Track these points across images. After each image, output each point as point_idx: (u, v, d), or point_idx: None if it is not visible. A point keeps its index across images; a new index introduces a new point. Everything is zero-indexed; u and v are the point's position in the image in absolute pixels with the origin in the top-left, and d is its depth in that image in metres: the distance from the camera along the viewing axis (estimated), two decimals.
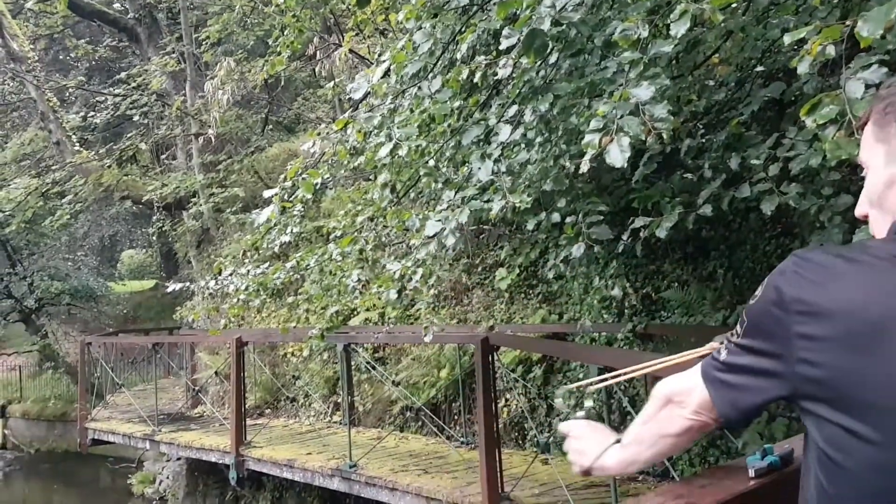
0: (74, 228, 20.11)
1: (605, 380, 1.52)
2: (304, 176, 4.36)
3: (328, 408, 9.30)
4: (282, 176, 4.64)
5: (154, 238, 16.74)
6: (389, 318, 8.08)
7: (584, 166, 2.22)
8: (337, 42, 10.94)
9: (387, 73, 4.10)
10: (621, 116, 2.20)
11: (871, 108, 1.09)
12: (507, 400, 7.11)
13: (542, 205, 4.00)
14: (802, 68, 1.91)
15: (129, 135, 16.04)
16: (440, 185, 4.08)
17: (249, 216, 5.26)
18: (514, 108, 3.33)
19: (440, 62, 3.89)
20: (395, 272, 3.93)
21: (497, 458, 5.37)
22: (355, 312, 8.49)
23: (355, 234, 4.39)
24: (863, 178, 1.11)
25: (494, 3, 3.41)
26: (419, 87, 3.84)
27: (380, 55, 4.61)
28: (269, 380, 9.99)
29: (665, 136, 2.26)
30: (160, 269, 24.58)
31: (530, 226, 4.01)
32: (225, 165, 13.35)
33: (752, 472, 1.38)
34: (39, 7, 16.29)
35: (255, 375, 10.01)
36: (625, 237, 3.69)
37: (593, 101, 2.89)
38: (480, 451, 5.41)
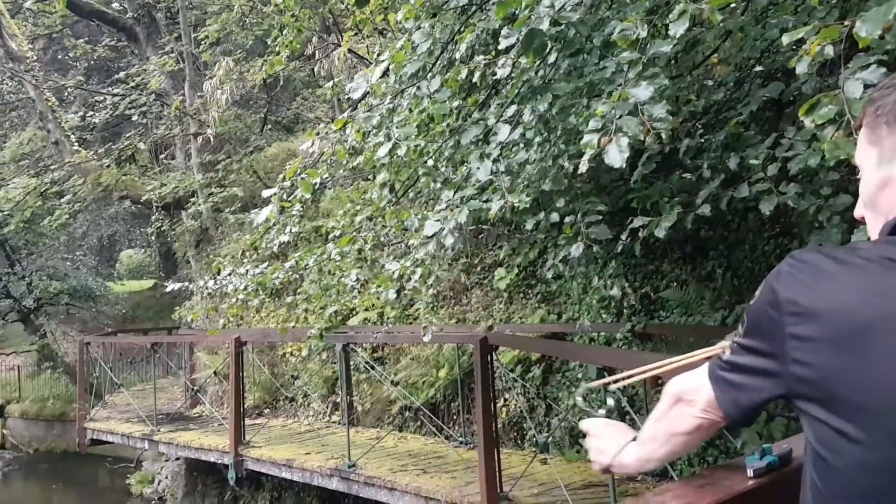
0: (73, 228, 20.10)
1: (628, 377, 1.53)
2: (302, 176, 4.36)
3: (327, 408, 9.29)
4: (280, 176, 4.63)
5: (153, 238, 16.74)
6: (388, 318, 8.08)
7: (583, 167, 2.22)
8: (336, 42, 10.94)
9: (385, 73, 4.10)
10: (620, 116, 2.20)
11: (864, 110, 1.10)
12: (505, 400, 7.12)
13: (540, 205, 4.00)
14: (801, 68, 1.91)
15: (127, 134, 16.03)
16: (439, 185, 4.08)
17: (248, 216, 5.26)
18: (513, 107, 3.33)
19: (439, 62, 3.89)
20: (393, 272, 3.93)
21: (496, 458, 5.37)
22: (354, 312, 8.49)
23: (354, 233, 4.39)
24: (860, 179, 1.12)
25: (493, 3, 3.41)
26: (418, 87, 3.84)
27: (378, 55, 4.61)
28: (267, 379, 9.99)
29: (664, 136, 2.27)
30: (159, 269, 24.58)
31: (529, 226, 4.01)
32: (224, 165, 13.35)
33: (750, 472, 1.38)
34: (38, 6, 16.28)
35: (254, 375, 10.01)
36: (623, 237, 3.69)
37: (592, 101, 2.89)
38: (479, 450, 5.42)
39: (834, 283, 0.96)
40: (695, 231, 4.84)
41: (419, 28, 3.82)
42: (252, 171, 13.26)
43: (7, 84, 17.17)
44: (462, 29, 3.74)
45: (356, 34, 8.65)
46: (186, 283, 7.82)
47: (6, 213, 16.02)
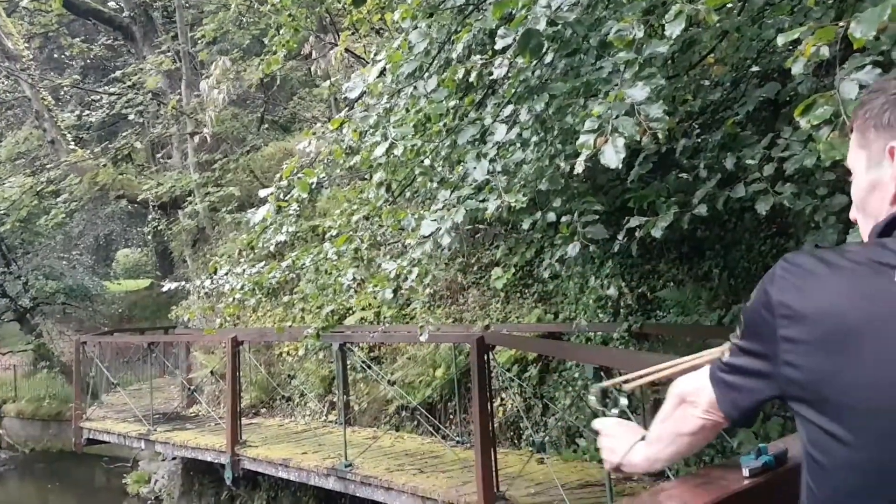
0: (69, 227, 20.05)
1: (640, 377, 1.54)
2: (299, 175, 4.35)
3: (323, 407, 9.29)
4: (277, 175, 4.63)
5: (149, 237, 16.70)
6: (385, 318, 8.09)
7: (580, 167, 2.22)
8: (332, 41, 10.93)
9: (382, 73, 4.10)
10: (616, 117, 2.20)
11: (855, 113, 1.12)
12: (502, 399, 7.12)
13: (537, 204, 4.00)
14: (796, 69, 1.91)
15: (124, 134, 16.00)
16: (435, 185, 4.08)
17: (245, 215, 5.25)
18: (510, 107, 3.33)
19: (436, 62, 3.89)
20: (390, 272, 3.93)
21: (492, 458, 5.38)
22: (351, 312, 8.48)
23: (350, 233, 4.39)
24: (852, 182, 1.14)
25: (490, 3, 3.41)
26: (415, 87, 3.83)
27: (375, 54, 4.60)
28: (264, 379, 9.98)
29: (660, 136, 2.27)
30: (155, 269, 24.54)
31: (526, 225, 4.01)
32: (220, 164, 13.33)
33: (746, 472, 1.39)
34: (34, 5, 16.23)
35: (251, 375, 10.01)
36: (620, 237, 3.70)
37: (589, 101, 2.89)
38: (476, 450, 5.42)
39: (823, 286, 0.97)
40: (691, 231, 4.85)
41: (416, 28, 3.82)
42: (249, 171, 13.25)
43: (3, 83, 17.12)
44: (459, 29, 3.74)
45: (353, 34, 8.65)
46: (183, 283, 7.81)
47: (2, 212, 15.98)
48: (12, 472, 16.51)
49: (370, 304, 7.97)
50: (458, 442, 7.12)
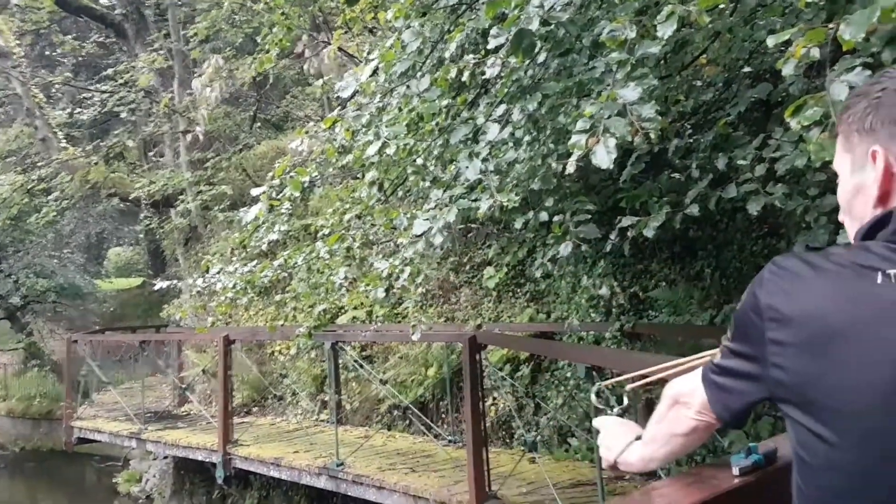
0: (61, 226, 19.95)
1: (641, 377, 1.55)
2: (291, 174, 4.34)
3: (315, 406, 9.28)
4: (270, 174, 4.62)
5: (141, 236, 16.64)
6: (377, 317, 8.09)
7: (571, 167, 2.22)
8: (326, 40, 10.91)
9: (375, 72, 4.09)
10: (608, 117, 2.21)
11: (839, 117, 1.13)
12: (494, 399, 7.13)
13: (529, 204, 4.00)
14: (787, 70, 1.92)
15: (116, 132, 15.93)
16: (428, 184, 4.08)
17: (237, 214, 5.23)
18: (503, 107, 3.33)
19: (429, 61, 3.89)
20: (382, 270, 3.93)
21: (484, 457, 5.38)
22: (343, 311, 8.47)
23: (343, 232, 4.38)
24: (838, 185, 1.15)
25: (483, 3, 3.41)
26: (407, 86, 3.83)
27: (368, 53, 4.60)
28: (256, 378, 9.96)
29: (653, 136, 2.27)
30: (147, 267, 24.43)
31: (518, 225, 4.02)
32: (213, 163, 13.30)
33: (736, 471, 1.40)
34: (25, 2, 16.15)
35: (243, 374, 9.98)
36: (612, 236, 3.71)
37: (581, 101, 2.89)
38: (468, 449, 5.42)
39: (809, 289, 0.99)
40: (683, 231, 4.87)
41: (409, 27, 3.81)
42: (241, 170, 13.21)
43: None
44: (452, 28, 3.74)
45: (346, 32, 8.64)
46: (175, 281, 7.79)
47: None
48: (2, 471, 16.43)
49: (362, 304, 7.97)
50: (449, 441, 7.13)
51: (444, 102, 3.84)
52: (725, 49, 3.92)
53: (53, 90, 17.85)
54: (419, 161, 3.96)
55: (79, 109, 16.14)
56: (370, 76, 4.14)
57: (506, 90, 3.40)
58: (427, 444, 7.21)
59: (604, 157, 2.08)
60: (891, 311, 0.92)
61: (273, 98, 16.13)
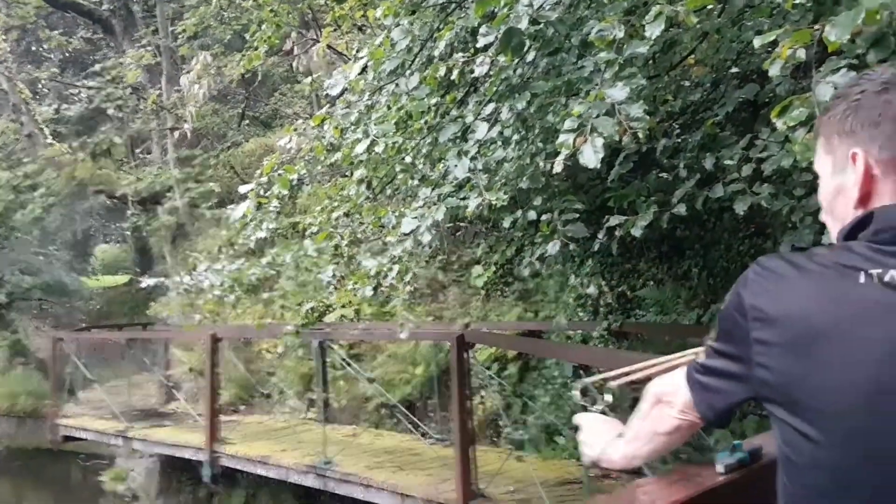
0: (47, 222, 19.80)
1: (623, 375, 1.56)
2: (279, 172, 4.33)
3: (303, 404, 9.26)
4: (258, 171, 4.61)
5: (128, 233, 16.55)
6: (365, 315, 8.07)
7: (558, 166, 2.23)
8: (315, 38, 10.88)
9: (364, 70, 4.09)
10: (597, 116, 2.21)
11: (820, 119, 1.14)
12: (482, 397, 7.14)
13: (518, 203, 4.01)
14: (773, 71, 1.94)
15: (103, 128, 15.83)
16: (416, 182, 4.08)
17: (225, 211, 5.22)
18: (491, 105, 3.33)
19: (418, 59, 3.88)
20: (370, 269, 3.92)
21: (472, 456, 5.39)
22: (331, 309, 8.45)
23: (331, 230, 4.38)
24: (819, 186, 1.17)
25: (472, 1, 3.41)
26: (396, 84, 3.83)
27: (357, 51, 4.59)
28: (243, 376, 9.93)
29: (641, 135, 2.28)
30: (134, 265, 24.29)
31: (506, 223, 4.02)
32: (201, 160, 13.24)
33: (721, 468, 1.40)
34: None
35: (230, 372, 9.94)
36: (600, 236, 3.72)
37: (570, 101, 2.90)
38: (455, 448, 5.43)
39: (793, 289, 0.99)
40: (671, 230, 4.88)
41: (398, 25, 3.81)
42: (229, 167, 13.16)
43: None
44: (441, 26, 3.74)
45: (335, 30, 8.62)
46: (162, 279, 7.76)
47: None
48: None
49: (350, 302, 7.95)
50: (437, 439, 7.13)
51: (434, 101, 3.84)
52: (713, 50, 3.94)
53: (40, 86, 17.70)
54: (408, 159, 3.96)
55: (65, 106, 16.02)
56: (359, 74, 4.13)
57: (495, 89, 3.41)
58: (415, 442, 7.21)
59: (591, 157, 2.09)
60: (873, 311, 0.93)
61: (262, 95, 16.08)
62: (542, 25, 2.86)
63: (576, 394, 1.55)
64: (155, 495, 10.69)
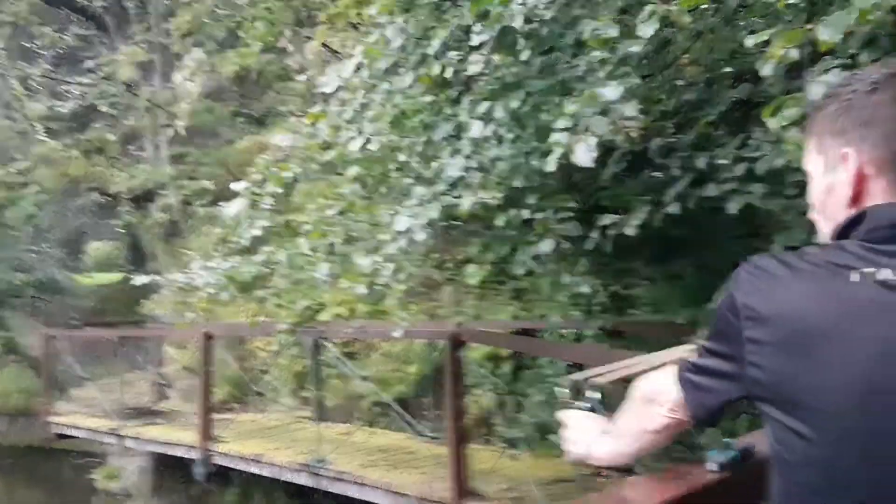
0: (39, 219, 19.70)
1: (609, 372, 1.56)
2: (273, 169, 4.32)
3: (297, 403, 9.25)
4: (251, 169, 4.60)
5: (121, 230, 16.49)
6: (360, 314, 8.06)
7: (551, 165, 2.23)
8: (310, 36, 10.86)
9: (359, 68, 4.08)
10: (590, 116, 2.22)
11: (812, 118, 1.15)
12: (476, 396, 7.14)
13: (512, 201, 4.01)
14: (766, 71, 1.94)
15: (96, 126, 15.76)
16: (411, 181, 4.07)
17: (219, 207, 5.20)
18: (486, 104, 3.33)
19: (412, 57, 3.88)
20: (364, 267, 3.92)
21: (465, 454, 5.39)
22: (325, 307, 8.45)
23: (325, 228, 4.37)
24: (809, 184, 1.17)
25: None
26: (390, 83, 3.82)
27: (352, 49, 4.58)
28: (237, 374, 9.91)
29: (633, 134, 2.29)
30: (127, 262, 24.20)
31: (500, 222, 4.02)
32: (194, 158, 13.20)
33: (713, 467, 1.41)
34: None
35: (223, 370, 9.92)
36: (593, 234, 3.72)
37: (563, 100, 2.90)
38: (448, 446, 5.43)
39: (785, 288, 1.00)
40: (665, 230, 4.89)
41: (392, 23, 3.80)
42: (223, 165, 13.13)
43: None
44: (435, 24, 3.73)
45: (330, 27, 8.60)
46: (155, 277, 7.73)
47: None
48: None
49: (344, 301, 7.95)
50: (431, 438, 7.13)
51: (429, 99, 3.84)
52: (707, 49, 3.95)
53: (33, 83, 17.61)
54: (402, 157, 3.96)
55: (58, 103, 15.96)
56: (354, 72, 4.12)
57: (489, 87, 3.41)
58: (408, 440, 7.21)
59: (584, 156, 2.10)
60: (867, 310, 0.93)
61: (256, 93, 16.03)
62: (536, 24, 2.86)
63: (562, 390, 1.55)
64: (147, 493, 10.66)
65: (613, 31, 2.30)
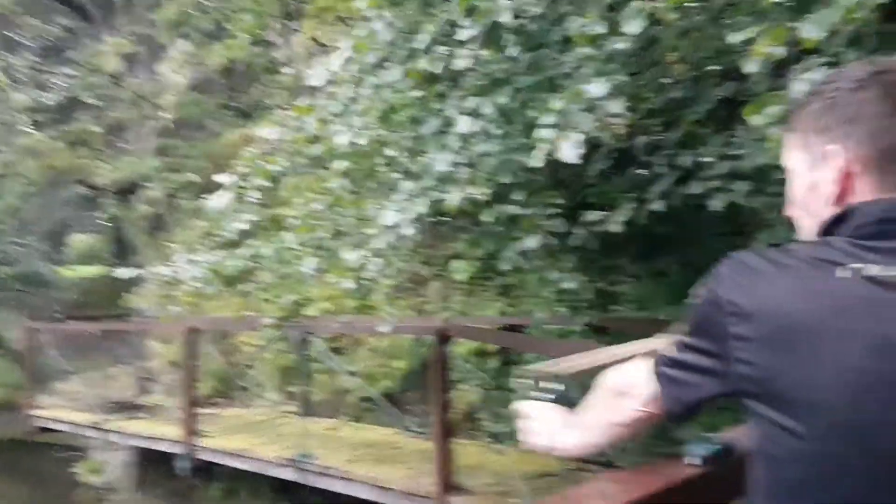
0: (24, 212, 19.51)
1: (572, 365, 1.55)
2: (260, 162, 4.31)
3: (282, 398, 9.22)
4: (238, 162, 4.57)
5: (106, 223, 16.37)
6: (347, 309, 8.05)
7: (537, 161, 2.24)
8: (298, 29, 10.81)
9: (347, 62, 4.07)
10: (577, 112, 2.22)
11: (797, 115, 1.14)
12: (462, 391, 7.15)
13: (499, 197, 4.01)
14: (750, 68, 1.95)
15: (81, 117, 15.62)
16: (399, 175, 4.07)
17: (204, 199, 5.17)
18: (474, 100, 3.33)
19: (400, 52, 3.87)
20: (351, 262, 3.91)
21: (451, 449, 5.40)
22: (312, 302, 8.43)
23: (312, 222, 4.36)
24: (789, 179, 1.17)
25: None
26: (376, 76, 3.82)
27: (340, 42, 4.56)
28: (222, 369, 9.87)
29: (620, 131, 2.30)
30: (112, 255, 24.02)
31: (488, 218, 4.02)
32: (180, 150, 13.12)
33: (695, 461, 1.42)
34: None
35: (208, 364, 9.88)
36: (579, 231, 3.73)
37: (550, 96, 2.91)
38: (434, 441, 5.44)
39: (769, 284, 0.99)
40: (650, 227, 4.91)
41: (380, 17, 3.79)
42: (209, 158, 13.05)
43: None
44: (423, 19, 3.73)
45: (318, 20, 8.57)
46: (140, 270, 7.68)
47: None
48: None
49: (331, 296, 7.94)
50: (418, 433, 7.13)
51: (419, 94, 3.83)
52: (694, 47, 3.96)
53: (18, 74, 17.42)
54: (390, 152, 3.95)
55: (44, 94, 15.81)
56: (342, 65, 4.11)
57: (477, 83, 3.40)
58: (395, 435, 7.21)
59: (570, 152, 2.10)
60: (856, 306, 0.93)
61: (243, 86, 15.94)
62: (524, 20, 2.86)
63: (522, 381, 1.53)
64: (131, 488, 10.61)
65: (600, 28, 2.31)
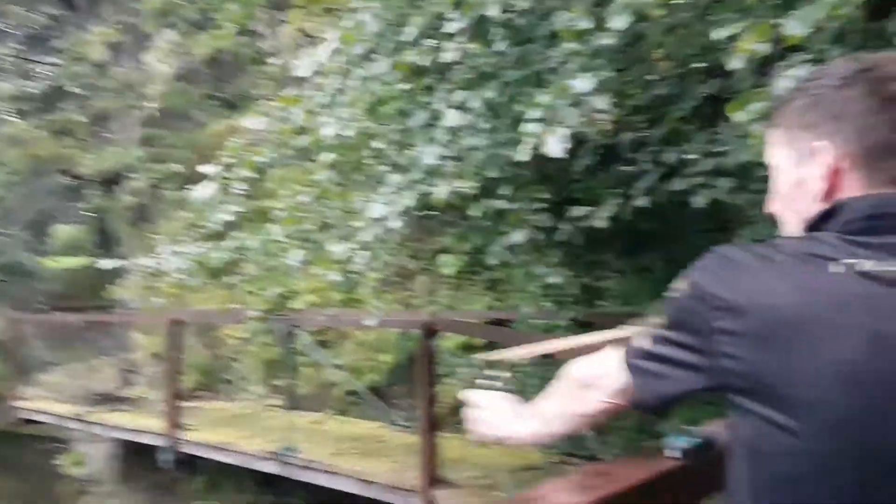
0: (8, 202, 19.30)
1: (527, 353, 1.54)
2: (245, 153, 4.28)
3: (267, 391, 9.20)
4: (223, 153, 4.54)
5: (89, 214, 16.24)
6: (333, 302, 8.04)
7: (523, 155, 2.24)
8: (285, 19, 10.75)
9: (334, 53, 4.05)
10: (563, 107, 2.22)
11: (781, 111, 1.14)
12: (449, 385, 7.16)
13: (487, 191, 4.01)
14: (734, 64, 1.96)
15: (65, 106, 15.48)
16: (387, 168, 4.06)
17: (188, 189, 5.13)
18: (462, 93, 3.32)
19: (388, 44, 3.86)
20: (338, 254, 3.90)
21: (436, 442, 5.42)
22: (297, 295, 8.40)
23: (298, 214, 4.34)
24: (773, 175, 1.16)
25: None
26: (365, 69, 3.80)
27: (326, 34, 4.54)
28: (206, 361, 9.84)
29: (606, 127, 2.30)
30: (95, 246, 23.83)
31: (475, 212, 4.02)
32: (165, 141, 13.02)
33: (672, 454, 1.43)
34: None
35: (192, 357, 9.84)
36: (565, 226, 3.74)
37: (537, 91, 2.91)
38: (420, 435, 5.45)
39: (753, 277, 0.98)
40: (635, 223, 4.93)
41: (368, 8, 3.78)
42: (194, 148, 12.97)
43: None
44: (411, 11, 3.72)
45: (304, 10, 8.52)
46: (124, 261, 7.62)
47: None
48: None
49: (318, 289, 7.92)
50: (403, 426, 7.14)
51: (408, 86, 3.82)
52: (680, 44, 3.97)
53: (2, 62, 17.21)
54: (377, 144, 3.94)
55: (28, 83, 15.64)
56: (329, 56, 4.09)
57: (465, 76, 3.40)
58: (381, 429, 7.22)
59: (555, 147, 2.10)
60: (850, 301, 0.92)
61: (229, 76, 15.83)
62: (512, 14, 2.86)
63: (484, 371, 1.51)
64: (114, 480, 10.56)
65: (586, 23, 2.31)
